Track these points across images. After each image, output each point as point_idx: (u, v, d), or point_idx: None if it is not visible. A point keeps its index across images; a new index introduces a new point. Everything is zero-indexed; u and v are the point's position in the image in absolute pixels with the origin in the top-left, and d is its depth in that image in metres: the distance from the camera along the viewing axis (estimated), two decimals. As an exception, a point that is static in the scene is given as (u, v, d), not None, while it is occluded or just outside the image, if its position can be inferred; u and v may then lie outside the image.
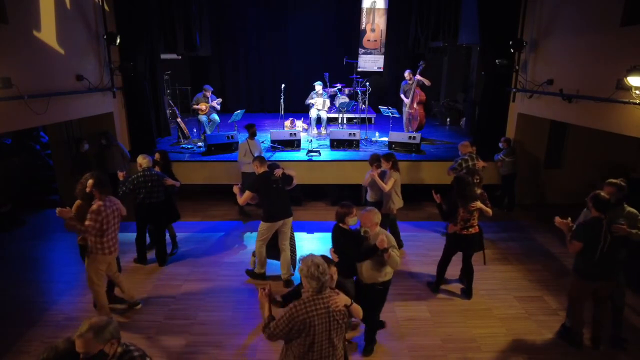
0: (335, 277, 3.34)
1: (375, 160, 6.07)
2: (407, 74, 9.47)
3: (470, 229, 5.05)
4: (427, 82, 9.13)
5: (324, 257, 3.11)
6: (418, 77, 9.12)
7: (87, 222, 4.23)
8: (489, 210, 5.01)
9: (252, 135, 7.40)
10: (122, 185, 5.63)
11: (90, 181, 4.34)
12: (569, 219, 4.22)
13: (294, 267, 5.61)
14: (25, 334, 4.59)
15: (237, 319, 4.92)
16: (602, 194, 4.03)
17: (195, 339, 4.56)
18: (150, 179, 5.68)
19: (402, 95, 9.69)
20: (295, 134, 9.07)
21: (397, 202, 6.10)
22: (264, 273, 5.72)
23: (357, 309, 3.03)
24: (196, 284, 5.63)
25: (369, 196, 6.29)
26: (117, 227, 4.57)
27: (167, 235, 6.35)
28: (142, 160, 5.71)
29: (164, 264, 6.08)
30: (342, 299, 2.88)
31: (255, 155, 7.06)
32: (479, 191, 5.08)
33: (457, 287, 5.61)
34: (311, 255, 2.81)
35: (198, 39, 11.19)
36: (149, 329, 4.71)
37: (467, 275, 5.39)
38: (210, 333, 4.66)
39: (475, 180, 5.10)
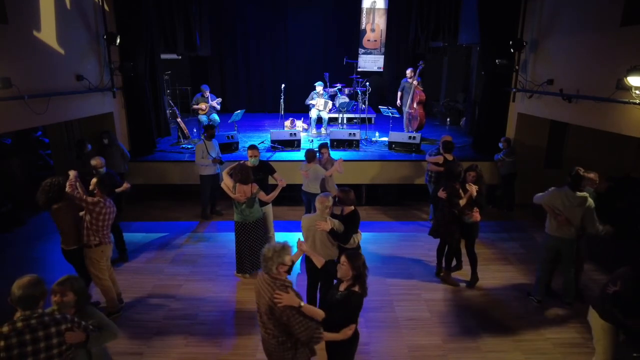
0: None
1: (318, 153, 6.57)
2: (408, 72, 9.50)
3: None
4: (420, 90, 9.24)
5: None
6: (415, 82, 9.14)
7: (91, 198, 4.49)
8: None
9: (210, 137, 7.33)
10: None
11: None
12: None
13: None
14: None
15: (237, 319, 4.92)
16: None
17: (195, 339, 4.56)
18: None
19: (399, 93, 9.71)
20: (295, 134, 9.08)
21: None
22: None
23: (311, 311, 2.99)
24: (196, 284, 5.63)
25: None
26: (109, 224, 4.70)
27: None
28: (99, 162, 5.72)
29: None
30: (287, 299, 2.89)
31: (213, 156, 7.20)
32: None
33: (457, 287, 5.62)
34: (279, 244, 3.03)
35: (198, 39, 11.20)
36: (149, 329, 4.71)
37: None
38: (210, 333, 4.66)
39: None
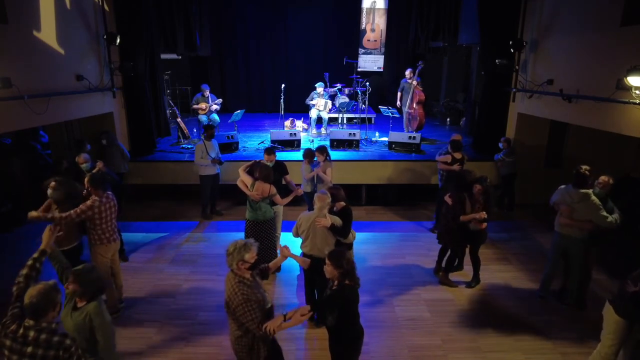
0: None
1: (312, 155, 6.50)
2: (408, 72, 9.53)
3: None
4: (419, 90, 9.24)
5: None
6: (415, 82, 9.14)
7: (72, 211, 4.33)
8: None
9: (210, 137, 7.32)
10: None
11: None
12: None
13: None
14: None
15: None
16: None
17: (195, 339, 4.56)
18: None
19: (399, 93, 9.73)
20: (295, 134, 9.08)
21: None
22: None
23: (295, 311, 3.14)
24: (196, 284, 5.63)
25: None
26: (113, 217, 4.71)
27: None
28: (81, 158, 5.67)
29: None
30: (271, 323, 2.97)
31: (212, 156, 7.19)
32: None
33: (456, 288, 5.62)
34: (241, 241, 3.07)
35: (198, 39, 11.20)
36: (149, 329, 4.71)
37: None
38: (210, 333, 4.66)
39: None
